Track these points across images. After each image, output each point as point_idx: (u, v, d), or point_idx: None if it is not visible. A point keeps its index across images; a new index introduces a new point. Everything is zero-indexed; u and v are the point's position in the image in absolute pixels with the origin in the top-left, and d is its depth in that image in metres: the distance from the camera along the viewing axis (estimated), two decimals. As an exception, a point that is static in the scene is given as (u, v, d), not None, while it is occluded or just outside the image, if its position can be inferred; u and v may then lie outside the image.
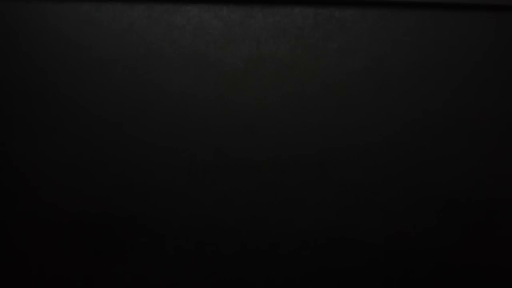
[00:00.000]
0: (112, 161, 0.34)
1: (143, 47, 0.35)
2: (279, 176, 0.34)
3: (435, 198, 0.35)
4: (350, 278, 0.31)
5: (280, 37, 0.35)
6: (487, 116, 0.35)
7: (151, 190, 0.33)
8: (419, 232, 0.35)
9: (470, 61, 0.35)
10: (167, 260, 0.33)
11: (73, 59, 0.35)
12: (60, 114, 0.34)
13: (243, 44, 0.35)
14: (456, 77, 0.35)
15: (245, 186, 0.33)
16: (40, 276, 0.32)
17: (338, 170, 0.35)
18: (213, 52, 0.35)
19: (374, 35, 0.35)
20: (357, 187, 0.35)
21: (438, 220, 0.35)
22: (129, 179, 0.33)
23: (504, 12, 0.35)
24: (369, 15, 0.35)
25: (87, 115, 0.34)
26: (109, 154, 0.34)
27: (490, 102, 0.35)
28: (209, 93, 0.35)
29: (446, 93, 0.35)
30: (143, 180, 0.33)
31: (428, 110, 0.35)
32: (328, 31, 0.35)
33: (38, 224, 0.31)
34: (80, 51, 0.35)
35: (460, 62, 0.35)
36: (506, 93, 0.35)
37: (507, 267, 0.35)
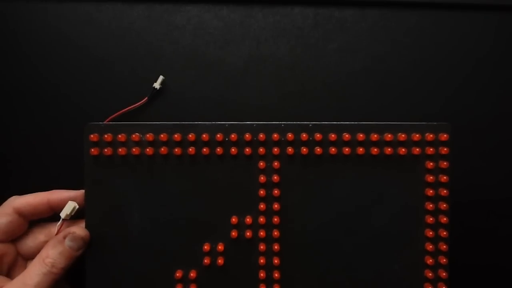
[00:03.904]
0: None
1: (143, 47, 0.35)
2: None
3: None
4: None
5: (280, 37, 0.35)
6: (487, 116, 0.35)
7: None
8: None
9: (470, 61, 0.35)
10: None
11: (73, 59, 0.35)
12: (60, 114, 0.34)
13: (243, 44, 0.35)
14: (456, 77, 0.35)
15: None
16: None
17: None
18: (213, 52, 0.35)
19: (374, 35, 0.35)
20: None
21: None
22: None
23: (504, 12, 0.35)
24: (369, 15, 0.35)
25: (87, 115, 0.34)
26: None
27: (490, 102, 0.35)
28: (209, 93, 0.35)
29: (446, 93, 0.35)
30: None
31: (428, 110, 0.35)
32: (328, 31, 0.35)
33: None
34: (80, 51, 0.35)
35: (460, 62, 0.35)
36: (507, 93, 0.35)
37: (507, 267, 0.35)
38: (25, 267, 0.30)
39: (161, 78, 0.34)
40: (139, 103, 0.34)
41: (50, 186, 0.31)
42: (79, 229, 0.29)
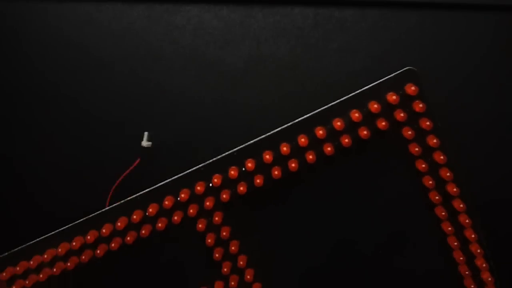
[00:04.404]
0: (112, 161, 0.34)
1: (143, 47, 0.35)
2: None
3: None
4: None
5: (280, 37, 0.35)
6: (487, 117, 0.35)
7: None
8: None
9: (470, 61, 0.35)
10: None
11: (73, 59, 0.35)
12: (60, 114, 0.34)
13: (243, 44, 0.35)
14: (456, 77, 0.35)
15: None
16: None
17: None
18: (213, 52, 0.35)
19: (374, 35, 0.35)
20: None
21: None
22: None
23: (504, 12, 0.35)
24: (369, 15, 0.35)
25: (87, 115, 0.34)
26: (109, 155, 0.34)
27: (490, 102, 0.35)
28: (209, 93, 0.35)
29: (446, 93, 0.35)
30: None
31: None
32: (328, 31, 0.35)
33: (35, 224, 0.31)
34: (80, 51, 0.35)
35: (460, 62, 0.35)
36: (507, 93, 0.35)
37: (507, 267, 0.35)
38: None
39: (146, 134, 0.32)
40: (132, 167, 0.31)
41: (50, 187, 0.31)
42: None
